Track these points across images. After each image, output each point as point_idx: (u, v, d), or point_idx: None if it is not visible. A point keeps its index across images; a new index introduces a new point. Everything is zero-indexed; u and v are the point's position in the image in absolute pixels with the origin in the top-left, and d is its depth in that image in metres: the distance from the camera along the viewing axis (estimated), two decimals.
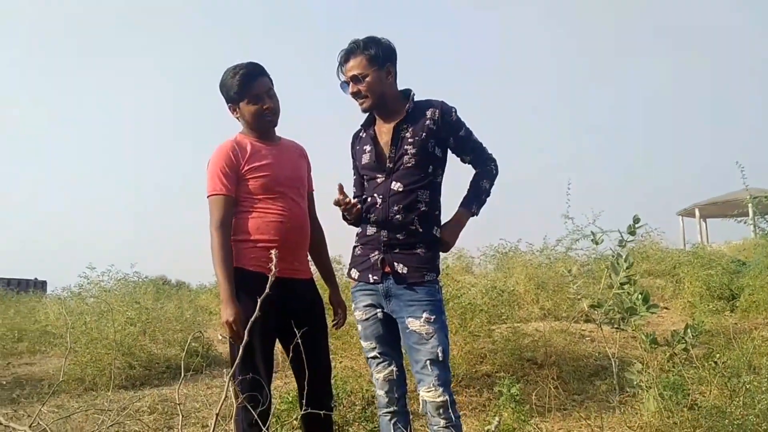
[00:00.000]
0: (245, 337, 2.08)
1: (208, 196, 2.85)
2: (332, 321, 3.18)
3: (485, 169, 2.88)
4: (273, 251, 2.20)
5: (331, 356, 3.13)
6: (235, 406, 2.34)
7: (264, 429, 2.32)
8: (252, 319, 2.06)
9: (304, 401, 2.62)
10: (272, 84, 2.95)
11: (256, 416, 2.38)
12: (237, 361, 2.14)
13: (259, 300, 2.07)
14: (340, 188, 2.73)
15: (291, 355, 2.58)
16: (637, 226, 4.25)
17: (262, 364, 2.69)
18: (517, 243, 9.91)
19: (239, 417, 2.61)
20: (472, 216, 2.87)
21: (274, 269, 2.05)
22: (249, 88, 2.85)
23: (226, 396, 1.91)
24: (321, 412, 2.57)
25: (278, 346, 2.97)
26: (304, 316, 2.83)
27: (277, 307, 2.70)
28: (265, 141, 2.97)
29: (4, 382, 6.75)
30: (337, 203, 2.73)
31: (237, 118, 2.97)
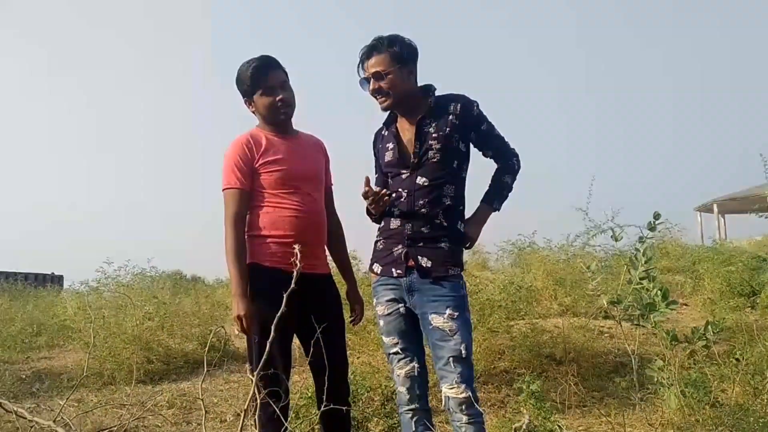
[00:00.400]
0: (271, 333, 2.07)
1: (222, 190, 2.85)
2: (349, 317, 3.15)
3: (507, 164, 2.85)
4: (297, 246, 2.19)
5: (348, 352, 3.12)
6: (257, 401, 2.33)
7: (285, 424, 2.32)
8: (278, 314, 2.05)
9: (323, 397, 2.61)
10: (287, 77, 2.93)
11: (277, 411, 2.37)
12: (256, 356, 2.14)
13: (284, 295, 2.06)
14: (367, 181, 2.70)
15: (311, 350, 2.57)
16: (657, 222, 4.20)
17: (281, 360, 2.68)
18: (533, 235, 9.81)
19: (261, 412, 2.61)
20: (494, 212, 2.85)
21: (299, 264, 2.04)
22: (262, 81, 2.84)
23: (253, 393, 1.89)
24: (340, 408, 2.56)
25: (296, 342, 2.96)
26: (322, 311, 2.81)
27: (295, 303, 2.68)
28: (282, 134, 2.95)
29: (24, 376, 6.80)
30: (365, 195, 2.69)
31: (253, 112, 2.95)
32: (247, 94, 2.90)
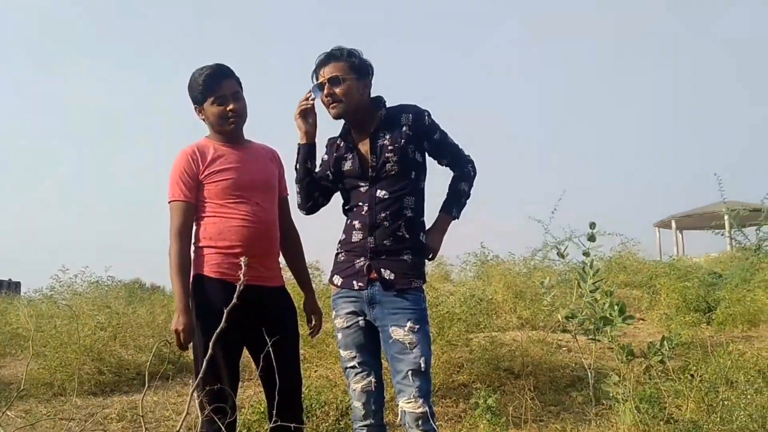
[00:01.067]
0: (209, 349, 2.02)
1: (168, 203, 2.81)
2: (308, 328, 3.11)
3: (463, 171, 2.85)
4: (243, 258, 2.15)
5: (305, 365, 3.07)
6: (200, 418, 2.27)
7: None
8: (218, 330, 2.00)
9: (274, 412, 2.57)
10: (240, 87, 2.88)
11: (222, 428, 2.31)
12: (201, 372, 2.08)
13: (225, 310, 2.01)
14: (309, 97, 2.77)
15: (261, 364, 2.52)
16: (594, 231, 4.23)
17: (227, 375, 2.64)
18: (494, 253, 9.88)
19: (204, 429, 2.54)
20: (453, 220, 2.84)
21: (242, 278, 1.99)
22: (213, 89, 2.78)
23: (188, 410, 1.83)
24: (291, 425, 2.51)
25: (248, 356, 2.90)
26: (273, 324, 2.74)
27: (243, 316, 2.62)
28: (231, 144, 2.89)
29: None
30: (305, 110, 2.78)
31: (203, 120, 2.89)
32: (198, 102, 2.84)
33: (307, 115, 2.79)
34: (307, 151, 2.83)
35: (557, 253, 3.88)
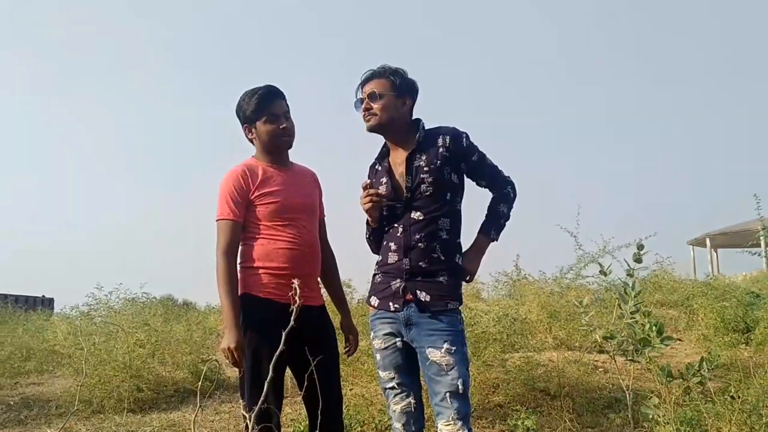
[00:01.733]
0: (270, 372, 2.05)
1: (216, 220, 2.84)
2: (344, 348, 3.15)
3: (502, 192, 2.84)
4: (296, 281, 2.17)
5: (341, 383, 3.09)
6: None
7: None
8: (277, 353, 2.02)
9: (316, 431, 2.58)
10: (289, 107, 2.95)
11: None
12: (248, 390, 2.10)
13: (283, 332, 2.03)
14: (367, 184, 2.77)
15: (305, 384, 2.54)
16: (642, 253, 4.20)
17: (273, 394, 2.66)
18: (527, 273, 9.79)
19: None
20: (492, 242, 2.83)
21: (298, 300, 2.02)
22: (267, 108, 2.85)
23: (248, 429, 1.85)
24: None
25: (289, 374, 2.94)
26: (315, 344, 2.77)
27: (287, 336, 2.66)
28: (278, 165, 2.95)
29: (12, 402, 6.72)
30: (367, 187, 2.76)
31: (251, 140, 2.96)
32: (249, 121, 2.90)
33: (373, 207, 2.78)
34: (374, 230, 2.90)
35: (600, 271, 3.84)
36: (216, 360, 5.13)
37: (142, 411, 6.21)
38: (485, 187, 2.86)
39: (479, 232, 2.84)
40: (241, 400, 2.61)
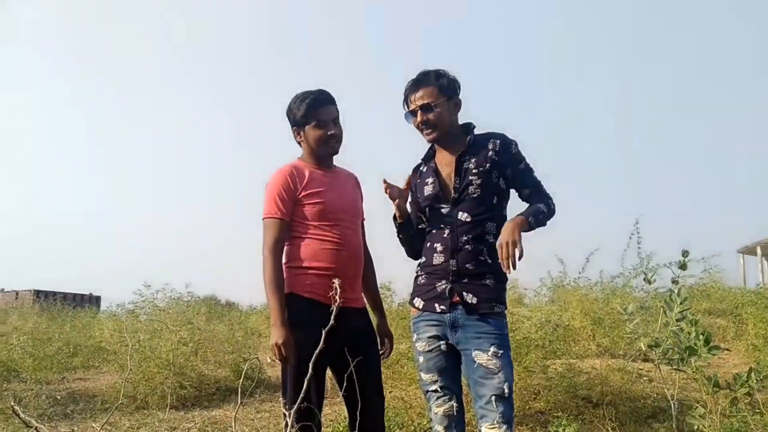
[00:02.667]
0: (309, 370, 2.06)
1: (263, 218, 2.87)
2: (382, 350, 3.14)
3: (544, 201, 2.77)
4: (336, 280, 2.18)
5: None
6: None
7: None
8: (317, 351, 2.03)
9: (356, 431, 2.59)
10: (339, 113, 2.97)
11: None
12: (291, 389, 2.11)
13: (323, 331, 2.04)
14: (385, 183, 2.78)
15: (344, 384, 2.54)
16: (687, 259, 4.11)
17: (315, 393, 2.66)
18: (575, 277, 9.62)
19: None
20: (527, 224, 2.67)
21: (338, 300, 2.02)
22: (316, 113, 2.88)
23: (288, 427, 1.86)
24: None
25: (328, 373, 2.95)
26: (356, 345, 2.79)
27: (330, 336, 2.68)
28: (323, 168, 2.98)
29: (59, 397, 6.87)
30: (389, 190, 2.78)
31: (299, 142, 3.00)
32: (299, 125, 2.94)
33: (396, 197, 2.81)
34: (401, 225, 2.90)
35: (644, 279, 3.77)
36: (257, 359, 5.16)
37: (184, 408, 6.31)
38: (527, 199, 2.80)
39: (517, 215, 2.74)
40: (281, 399, 2.61)
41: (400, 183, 2.86)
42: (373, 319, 3.19)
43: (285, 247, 2.89)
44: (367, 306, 3.22)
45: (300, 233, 2.87)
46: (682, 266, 3.42)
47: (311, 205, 2.86)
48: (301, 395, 2.08)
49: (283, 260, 2.87)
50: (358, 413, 2.49)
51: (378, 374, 2.96)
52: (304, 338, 2.63)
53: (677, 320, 4.19)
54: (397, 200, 2.80)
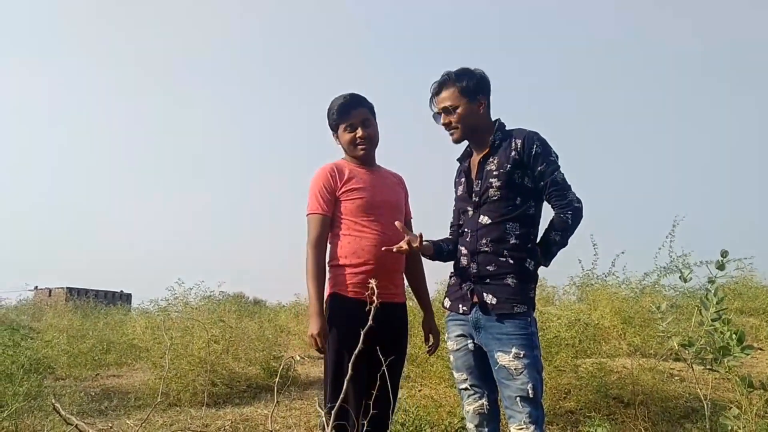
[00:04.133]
0: (336, 364, 2.08)
1: (306, 215, 3.00)
2: (426, 347, 3.25)
3: (559, 217, 2.67)
4: (372, 281, 2.24)
5: (409, 384, 3.16)
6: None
7: None
8: (355, 352, 2.09)
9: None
10: (372, 114, 3.08)
11: None
12: (330, 388, 2.15)
13: (362, 331, 2.11)
14: (400, 227, 2.77)
15: (367, 378, 2.59)
16: (725, 260, 4.06)
17: (353, 394, 2.68)
18: (602, 276, 9.52)
19: None
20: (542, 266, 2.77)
21: (376, 300, 2.08)
22: (345, 117, 3.02)
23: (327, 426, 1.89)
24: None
25: None
26: (391, 343, 2.85)
27: (369, 334, 2.71)
28: (364, 166, 3.10)
29: (93, 393, 6.99)
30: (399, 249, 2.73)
31: (338, 144, 3.13)
32: (333, 128, 3.11)
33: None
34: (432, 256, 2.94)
35: (680, 277, 3.74)
36: (292, 358, 5.21)
37: (216, 405, 6.38)
38: (547, 201, 2.73)
39: None
40: (317, 398, 2.66)
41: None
42: (421, 313, 3.29)
43: (328, 246, 3.01)
44: (415, 300, 3.34)
45: (341, 230, 2.98)
46: (720, 266, 3.38)
47: (351, 201, 2.97)
48: (342, 395, 2.12)
49: (327, 259, 2.99)
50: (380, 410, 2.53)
51: (399, 374, 3.04)
52: (343, 337, 2.76)
53: (713, 320, 4.15)
54: (405, 249, 2.73)
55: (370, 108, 3.09)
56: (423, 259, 3.17)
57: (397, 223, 2.79)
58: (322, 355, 2.87)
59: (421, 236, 2.74)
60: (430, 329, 3.22)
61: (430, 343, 3.22)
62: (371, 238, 2.93)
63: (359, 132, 3.03)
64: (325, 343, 2.77)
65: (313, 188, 3.01)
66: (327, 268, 2.97)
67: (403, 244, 2.70)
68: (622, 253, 9.09)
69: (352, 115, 3.02)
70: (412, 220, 3.29)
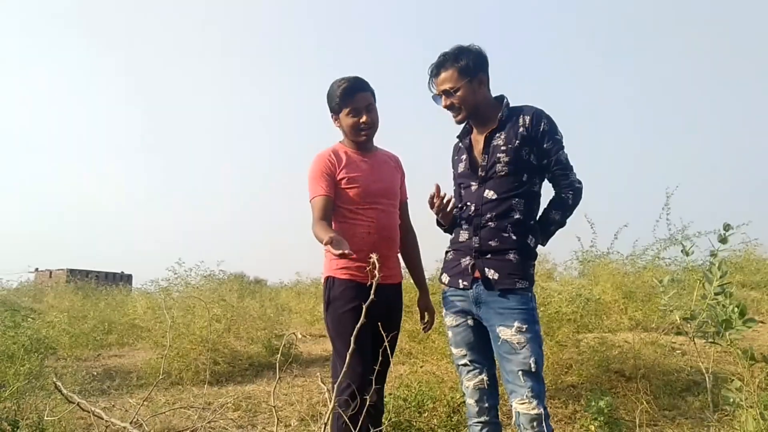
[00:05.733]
0: (341, 344, 2.08)
1: (310, 200, 2.95)
2: (422, 325, 3.25)
3: (559, 196, 2.71)
4: (374, 255, 2.23)
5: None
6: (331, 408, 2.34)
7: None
8: (358, 326, 2.10)
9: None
10: (374, 99, 3.04)
11: (347, 422, 2.41)
12: (337, 366, 2.16)
13: (363, 306, 2.11)
14: (437, 188, 2.72)
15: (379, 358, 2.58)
16: (728, 233, 4.04)
17: (360, 371, 2.70)
18: (603, 252, 9.52)
19: (336, 422, 2.68)
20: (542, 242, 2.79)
21: (377, 275, 2.07)
22: (349, 101, 2.96)
23: (333, 402, 1.88)
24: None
25: None
26: (387, 321, 2.85)
27: (368, 311, 2.71)
28: (362, 152, 3.07)
29: (95, 373, 7.02)
30: (430, 201, 2.74)
31: (338, 127, 3.07)
32: (335, 111, 3.03)
33: (445, 212, 2.78)
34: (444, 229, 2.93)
35: (681, 251, 3.73)
36: (293, 333, 5.23)
37: (218, 383, 6.41)
38: (550, 180, 2.75)
39: None
40: (319, 374, 2.64)
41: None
42: (416, 292, 3.29)
43: None
44: (411, 281, 3.37)
45: (336, 217, 2.98)
46: (723, 240, 3.35)
47: (348, 189, 2.96)
48: (342, 368, 2.12)
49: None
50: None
51: (392, 350, 2.99)
52: (344, 315, 2.79)
53: (716, 294, 4.14)
54: (440, 213, 2.78)
55: (373, 93, 3.04)
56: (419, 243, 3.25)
57: (436, 184, 2.74)
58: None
59: (450, 199, 2.75)
60: (426, 308, 3.25)
61: (426, 321, 3.24)
62: (366, 226, 2.94)
63: (363, 118, 2.98)
64: (341, 245, 2.53)
65: (314, 173, 2.98)
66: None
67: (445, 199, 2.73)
68: (625, 226, 9.10)
69: (357, 99, 2.97)
70: (407, 200, 3.28)
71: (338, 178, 2.95)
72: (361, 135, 3.01)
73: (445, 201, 2.72)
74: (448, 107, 2.77)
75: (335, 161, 2.98)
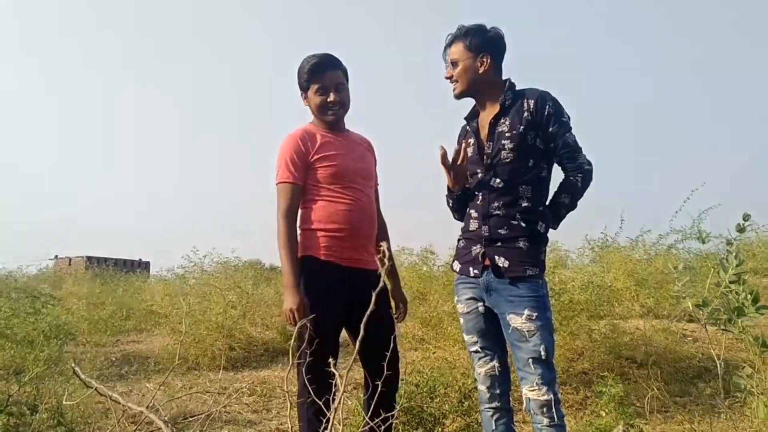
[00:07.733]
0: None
1: (276, 184, 2.89)
2: (396, 314, 3.13)
3: (568, 180, 2.69)
4: (384, 243, 2.22)
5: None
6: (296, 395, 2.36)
7: (328, 417, 2.25)
8: (364, 319, 2.08)
9: (369, 383, 2.74)
10: (346, 77, 2.96)
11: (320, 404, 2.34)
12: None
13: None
14: (443, 148, 2.74)
15: (357, 346, 2.56)
16: (747, 223, 4.04)
17: (329, 353, 2.53)
18: (614, 239, 9.51)
19: (303, 408, 2.70)
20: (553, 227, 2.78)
21: (387, 262, 2.08)
22: (317, 79, 2.88)
23: (286, 386, 1.93)
24: (386, 393, 2.57)
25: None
26: (373, 307, 2.79)
27: (345, 298, 2.75)
28: (333, 132, 2.98)
29: (114, 358, 7.14)
30: (442, 160, 2.74)
31: (306, 105, 2.99)
32: (303, 89, 2.96)
33: (451, 167, 2.78)
34: (457, 198, 2.89)
35: (698, 238, 3.74)
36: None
37: (234, 369, 6.50)
38: (557, 164, 2.73)
39: None
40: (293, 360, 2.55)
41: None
42: (388, 284, 3.17)
43: (300, 211, 2.91)
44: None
45: (313, 196, 2.88)
46: (741, 230, 3.36)
47: (323, 168, 2.87)
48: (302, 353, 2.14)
49: (298, 223, 2.90)
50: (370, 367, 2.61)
51: (388, 337, 2.74)
52: (319, 301, 2.70)
53: (731, 282, 4.14)
54: (453, 171, 2.77)
55: (345, 72, 2.97)
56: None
57: (441, 146, 2.73)
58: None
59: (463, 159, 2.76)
60: (399, 298, 3.18)
61: (399, 312, 3.16)
62: (345, 204, 2.86)
63: (331, 96, 2.88)
64: (302, 317, 2.62)
65: (283, 155, 2.88)
66: (298, 232, 2.88)
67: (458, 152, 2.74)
68: (623, 219, 9.08)
69: (327, 77, 2.88)
70: (379, 186, 3.20)
71: (312, 159, 2.86)
72: (329, 115, 2.92)
73: (455, 152, 2.73)
74: (447, 78, 2.81)
75: (308, 141, 2.89)
